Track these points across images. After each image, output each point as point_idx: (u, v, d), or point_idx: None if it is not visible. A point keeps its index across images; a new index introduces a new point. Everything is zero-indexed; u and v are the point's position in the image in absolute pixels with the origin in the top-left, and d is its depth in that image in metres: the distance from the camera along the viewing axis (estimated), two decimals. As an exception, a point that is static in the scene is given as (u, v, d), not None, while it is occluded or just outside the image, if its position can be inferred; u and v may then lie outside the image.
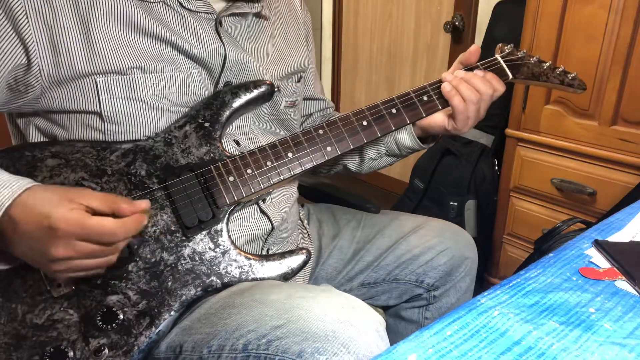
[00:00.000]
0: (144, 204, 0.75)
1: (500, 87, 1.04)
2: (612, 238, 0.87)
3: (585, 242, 0.85)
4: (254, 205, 0.98)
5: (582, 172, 1.73)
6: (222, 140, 0.93)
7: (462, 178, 2.17)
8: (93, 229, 0.71)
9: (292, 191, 1.11)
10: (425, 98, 1.03)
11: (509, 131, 1.89)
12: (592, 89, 1.64)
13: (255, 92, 0.95)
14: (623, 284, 0.74)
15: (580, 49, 1.63)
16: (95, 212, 0.72)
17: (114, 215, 0.73)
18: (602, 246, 0.82)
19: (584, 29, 1.61)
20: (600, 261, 0.80)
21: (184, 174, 0.88)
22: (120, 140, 0.88)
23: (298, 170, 0.94)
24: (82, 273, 0.76)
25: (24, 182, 0.73)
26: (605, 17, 1.56)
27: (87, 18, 0.82)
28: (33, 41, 0.80)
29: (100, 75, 0.83)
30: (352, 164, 1.22)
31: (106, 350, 0.78)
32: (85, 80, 0.83)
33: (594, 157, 1.69)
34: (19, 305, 0.79)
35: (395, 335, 1.23)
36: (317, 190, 1.42)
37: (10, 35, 0.79)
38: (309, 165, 0.95)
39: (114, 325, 0.79)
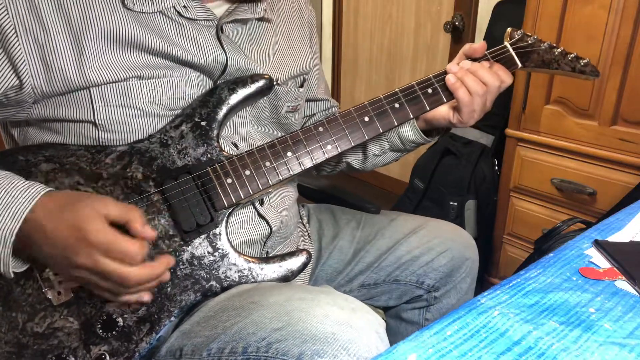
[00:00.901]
0: (151, 234, 0.76)
1: (507, 79, 1.01)
2: (612, 238, 0.87)
3: (585, 242, 0.85)
4: (252, 209, 0.97)
5: (582, 172, 1.72)
6: (220, 141, 0.92)
7: (462, 178, 2.17)
8: (118, 245, 0.71)
9: (291, 193, 1.10)
10: (429, 91, 1.00)
11: (509, 131, 1.89)
12: (592, 89, 1.64)
13: (253, 87, 0.92)
14: (623, 284, 0.74)
15: (580, 49, 1.62)
16: (112, 221, 0.73)
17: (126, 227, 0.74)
18: (602, 246, 0.82)
19: (584, 29, 1.61)
20: (600, 261, 0.80)
21: (181, 177, 0.86)
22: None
23: (297, 169, 0.92)
24: (91, 287, 0.77)
25: (39, 188, 0.74)
26: (605, 17, 1.56)
27: (80, 36, 0.80)
28: (24, 60, 0.78)
29: (95, 86, 0.82)
30: (355, 161, 1.20)
31: (107, 357, 0.78)
32: (79, 92, 0.82)
33: (594, 157, 1.69)
34: (19, 314, 0.78)
35: (395, 337, 1.23)
36: (317, 190, 1.42)
37: (1, 58, 0.78)
38: (308, 165, 0.93)
39: (114, 332, 0.79)
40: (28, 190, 0.74)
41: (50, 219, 0.72)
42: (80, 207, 0.72)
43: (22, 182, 0.75)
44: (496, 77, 0.99)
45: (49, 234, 0.72)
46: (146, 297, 0.78)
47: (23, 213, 0.72)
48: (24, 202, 0.73)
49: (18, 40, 0.77)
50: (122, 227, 0.73)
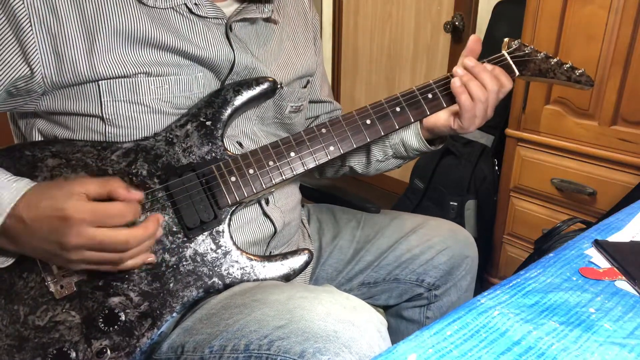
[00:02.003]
0: (137, 195, 0.77)
1: (507, 83, 1.02)
2: (612, 238, 0.87)
3: (585, 242, 0.85)
4: (257, 208, 0.97)
5: (582, 172, 1.72)
6: (224, 140, 0.92)
7: (462, 178, 2.17)
8: (101, 211, 0.72)
9: (295, 194, 1.10)
10: (430, 96, 1.01)
11: (509, 131, 1.89)
12: (592, 89, 1.64)
13: (258, 89, 0.93)
14: (623, 284, 0.74)
15: (580, 49, 1.63)
16: (94, 197, 0.74)
17: (111, 198, 0.75)
18: (602, 246, 0.82)
19: (584, 29, 1.61)
20: (600, 261, 0.80)
21: (186, 174, 0.87)
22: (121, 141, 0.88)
23: (300, 169, 0.93)
24: (95, 266, 0.77)
25: (23, 183, 0.75)
26: (605, 17, 1.56)
27: (93, 30, 0.82)
28: (36, 49, 0.79)
29: (103, 80, 0.83)
30: (358, 166, 1.21)
31: (108, 352, 0.78)
32: (87, 85, 0.83)
33: (594, 157, 1.69)
34: (22, 307, 0.79)
35: (396, 336, 1.23)
36: (317, 191, 1.42)
37: (14, 47, 0.79)
38: (311, 165, 0.94)
39: (116, 326, 0.79)
40: (12, 186, 0.74)
41: (29, 210, 0.72)
42: (56, 193, 0.73)
43: (6, 178, 0.75)
44: (496, 82, 1.00)
45: (30, 224, 0.72)
46: (151, 257, 0.80)
47: (6, 209, 0.72)
48: (7, 198, 0.73)
49: (32, 29, 0.79)
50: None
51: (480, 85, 0.99)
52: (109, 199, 0.75)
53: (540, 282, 0.74)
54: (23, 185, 0.74)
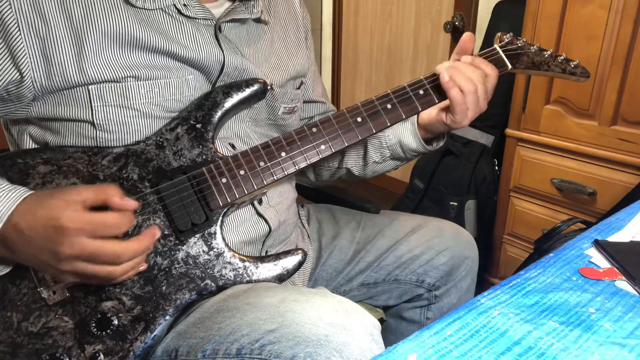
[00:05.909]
0: (133, 204, 0.75)
1: (491, 72, 0.99)
2: (612, 238, 0.86)
3: (585, 242, 0.85)
4: (251, 208, 0.97)
5: (582, 172, 1.72)
6: (216, 142, 0.92)
7: (462, 178, 2.17)
8: (97, 221, 0.72)
9: (289, 192, 1.10)
10: (421, 92, 1.00)
11: (509, 131, 1.89)
12: (592, 89, 1.63)
13: (248, 91, 0.93)
14: (623, 284, 0.73)
15: (580, 49, 1.62)
16: (91, 206, 0.73)
17: (106, 207, 0.74)
18: (602, 246, 0.82)
19: (584, 29, 1.61)
20: (600, 261, 0.79)
21: (176, 177, 0.86)
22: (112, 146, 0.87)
23: (292, 169, 0.92)
24: (85, 279, 0.76)
25: (20, 192, 0.74)
26: (605, 17, 1.55)
27: (81, 33, 0.81)
28: (25, 54, 0.79)
29: (93, 84, 0.82)
30: (355, 168, 1.20)
31: (102, 356, 0.78)
32: (77, 89, 0.83)
33: (594, 157, 1.69)
34: (14, 314, 0.78)
35: (396, 336, 1.23)
36: (317, 191, 1.42)
37: (3, 52, 0.79)
38: (302, 164, 0.93)
39: (109, 331, 0.79)
40: (8, 195, 0.73)
41: (25, 218, 0.72)
42: (51, 202, 0.72)
43: (2, 186, 0.75)
44: (479, 71, 0.98)
45: (27, 232, 0.71)
46: (143, 266, 0.80)
47: (3, 218, 0.72)
48: (4, 206, 0.72)
49: (20, 33, 0.78)
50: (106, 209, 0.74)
51: (466, 77, 0.97)
52: (104, 206, 0.74)
53: (540, 282, 0.73)
54: (20, 194, 0.74)
